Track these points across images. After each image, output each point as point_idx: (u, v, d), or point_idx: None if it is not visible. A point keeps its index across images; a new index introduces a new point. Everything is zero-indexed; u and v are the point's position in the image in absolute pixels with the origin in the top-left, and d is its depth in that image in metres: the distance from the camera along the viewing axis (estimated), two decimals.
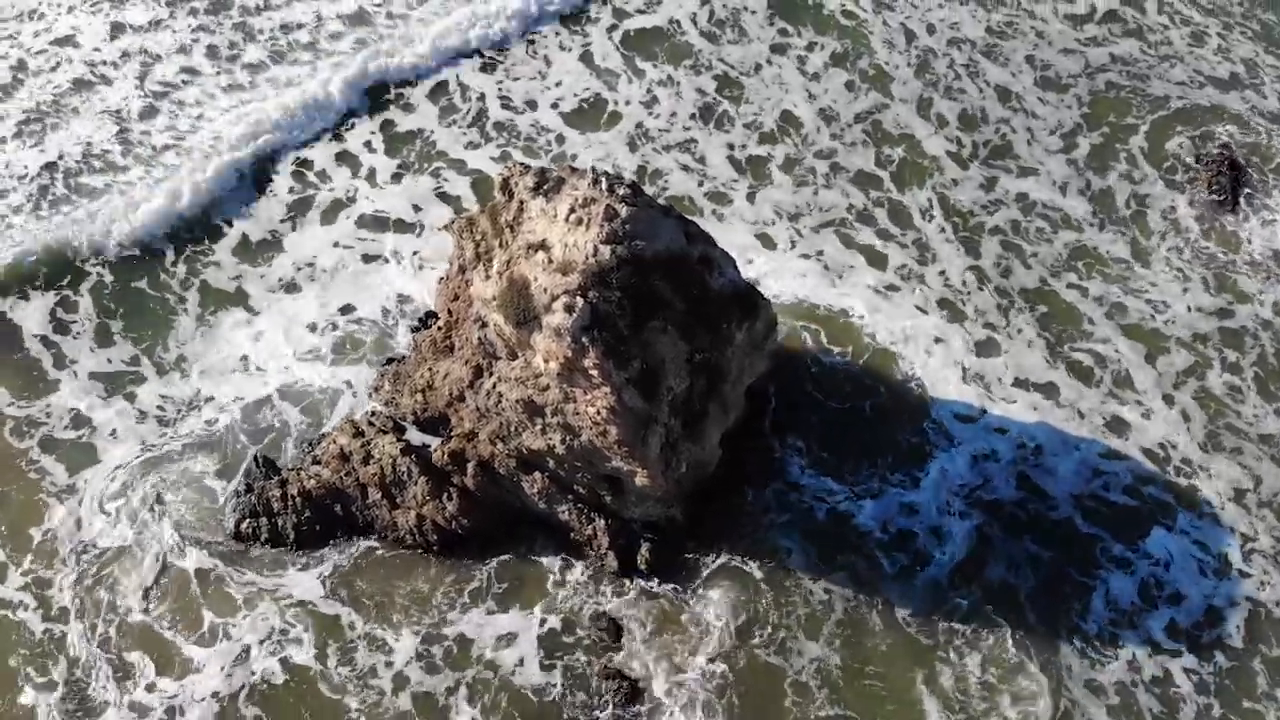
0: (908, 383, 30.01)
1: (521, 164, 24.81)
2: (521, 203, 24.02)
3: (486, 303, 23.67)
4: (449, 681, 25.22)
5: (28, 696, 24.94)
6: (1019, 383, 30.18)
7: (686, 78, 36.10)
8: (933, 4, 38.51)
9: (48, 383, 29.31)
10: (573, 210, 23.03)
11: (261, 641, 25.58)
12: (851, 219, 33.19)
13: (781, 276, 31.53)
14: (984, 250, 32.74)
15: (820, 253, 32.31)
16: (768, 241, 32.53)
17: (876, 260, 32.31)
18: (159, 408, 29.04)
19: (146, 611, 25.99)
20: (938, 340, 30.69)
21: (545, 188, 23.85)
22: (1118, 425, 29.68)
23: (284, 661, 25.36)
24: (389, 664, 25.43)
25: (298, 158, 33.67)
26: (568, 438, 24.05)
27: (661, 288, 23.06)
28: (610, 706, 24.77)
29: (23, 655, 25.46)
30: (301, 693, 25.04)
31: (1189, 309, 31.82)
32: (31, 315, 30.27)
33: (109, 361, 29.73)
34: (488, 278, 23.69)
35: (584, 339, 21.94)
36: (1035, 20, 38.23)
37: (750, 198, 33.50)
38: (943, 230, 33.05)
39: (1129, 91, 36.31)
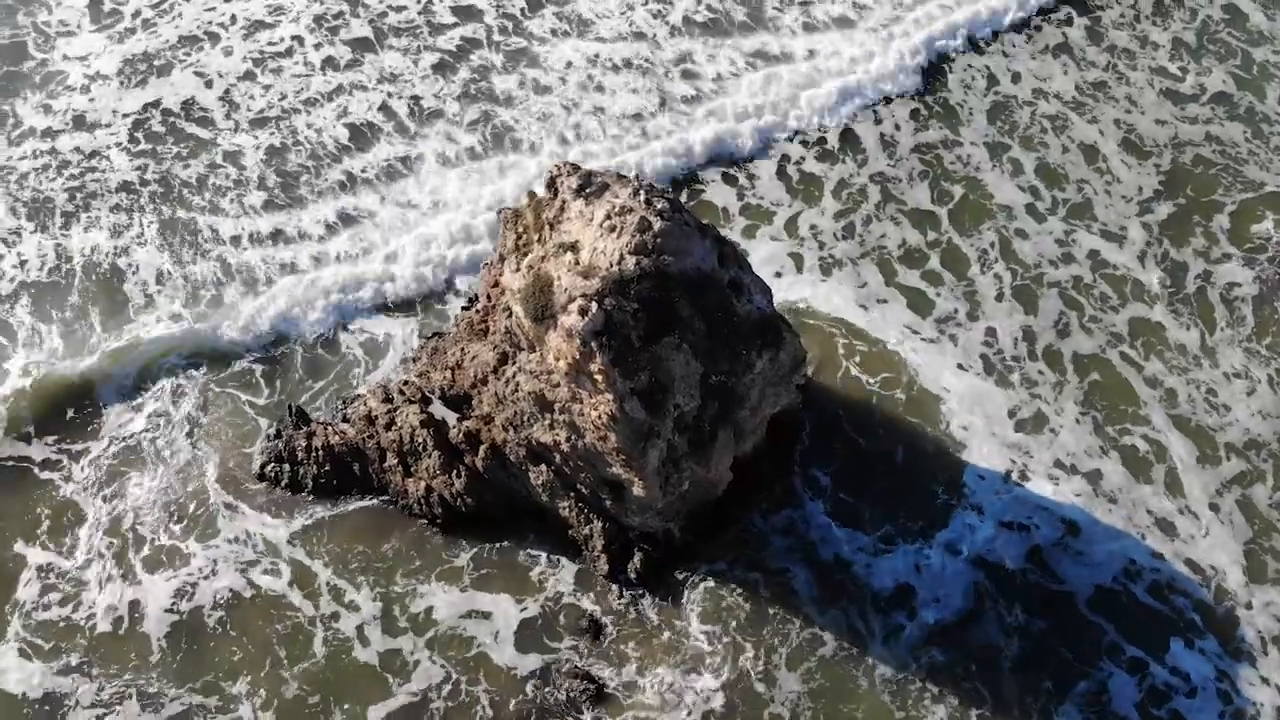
0: (945, 437, 29.11)
1: (570, 163, 25.28)
2: (564, 202, 24.49)
3: (512, 294, 24.27)
4: (414, 645, 25.93)
5: (19, 550, 26.82)
6: (1060, 464, 28.94)
7: None
8: (1025, 54, 37.78)
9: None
10: (609, 217, 23.36)
11: (237, 566, 26.78)
12: (899, 254, 32.74)
13: (817, 294, 31.57)
14: (1041, 308, 31.69)
15: (863, 284, 32.02)
16: (802, 263, 32.35)
17: (921, 305, 31.73)
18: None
19: (148, 511, 27.48)
20: (980, 404, 29.76)
21: (588, 191, 24.21)
22: (1164, 526, 28.12)
23: (251, 582, 26.53)
24: (357, 618, 26.28)
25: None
26: (573, 436, 24.50)
27: (682, 305, 23.19)
28: (578, 705, 25.06)
29: (40, 515, 27.35)
30: (270, 617, 26.14)
31: (1252, 413, 30.08)
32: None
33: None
34: (517, 269, 24.27)
35: (593, 343, 22.28)
36: (1129, 86, 37.13)
37: (792, 221, 33.34)
38: (998, 279, 32.26)
39: (1220, 170, 34.86)
